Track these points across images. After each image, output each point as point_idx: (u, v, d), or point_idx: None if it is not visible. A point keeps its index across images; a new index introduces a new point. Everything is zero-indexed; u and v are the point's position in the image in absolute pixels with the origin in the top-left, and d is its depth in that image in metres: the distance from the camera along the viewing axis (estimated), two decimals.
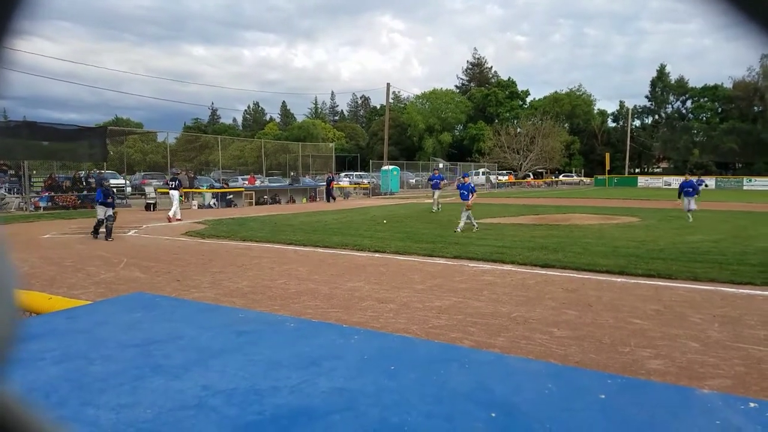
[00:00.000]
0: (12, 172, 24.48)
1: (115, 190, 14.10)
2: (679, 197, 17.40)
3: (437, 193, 21.73)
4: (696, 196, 17.13)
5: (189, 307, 3.75)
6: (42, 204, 22.24)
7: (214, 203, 25.36)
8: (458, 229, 13.57)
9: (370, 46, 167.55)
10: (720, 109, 69.44)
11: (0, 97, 0.28)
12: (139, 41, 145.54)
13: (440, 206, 21.14)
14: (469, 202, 14.06)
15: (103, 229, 12.81)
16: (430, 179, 23.28)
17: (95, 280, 8.10)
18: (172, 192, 18.89)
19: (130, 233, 14.36)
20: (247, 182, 33.62)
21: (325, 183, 32.10)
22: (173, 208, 18.34)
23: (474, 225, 14.03)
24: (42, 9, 0.27)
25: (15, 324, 0.29)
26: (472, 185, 14.71)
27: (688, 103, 73.65)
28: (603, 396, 1.99)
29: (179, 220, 17.83)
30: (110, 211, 12.91)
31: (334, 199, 30.79)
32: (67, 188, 24.76)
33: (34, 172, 25.54)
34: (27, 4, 0.27)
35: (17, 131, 21.31)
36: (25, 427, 0.31)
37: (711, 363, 4.49)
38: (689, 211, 16.78)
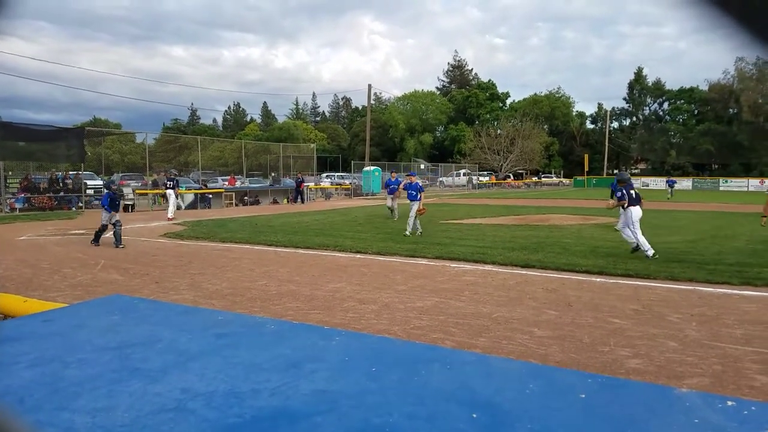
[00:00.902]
0: None
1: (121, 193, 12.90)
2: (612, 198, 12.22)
3: (393, 199, 18.50)
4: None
5: (167, 310, 3.70)
6: (18, 205, 21.82)
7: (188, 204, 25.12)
8: (407, 233, 13.03)
9: (351, 48, 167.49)
10: (696, 111, 70.71)
11: None
12: (115, 41, 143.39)
13: (398, 214, 17.87)
14: (420, 205, 13.27)
15: (109, 235, 11.96)
16: (386, 184, 19.88)
17: (72, 283, 7.96)
18: (168, 191, 19.47)
19: (107, 235, 14.15)
20: (227, 183, 33.35)
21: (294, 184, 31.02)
22: (171, 207, 19.08)
23: (418, 229, 13.35)
24: (20, 8, 0.26)
25: None
26: (420, 184, 13.96)
27: (665, 105, 74.88)
28: (583, 395, 2.00)
29: (170, 219, 18.20)
30: (117, 216, 12.22)
31: (303, 201, 29.49)
32: (44, 189, 24.31)
33: (10, 173, 25.02)
34: (5, 4, 0.26)
35: None
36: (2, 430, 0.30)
37: (689, 362, 4.55)
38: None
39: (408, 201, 13.65)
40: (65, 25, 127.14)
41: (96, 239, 12.08)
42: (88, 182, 26.57)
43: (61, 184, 25.39)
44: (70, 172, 28.15)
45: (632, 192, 9.86)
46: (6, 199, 21.88)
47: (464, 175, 57.18)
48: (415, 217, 13.18)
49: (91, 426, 1.73)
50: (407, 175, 14.93)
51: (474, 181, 55.18)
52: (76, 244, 12.19)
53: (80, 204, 24.05)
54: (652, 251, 9.53)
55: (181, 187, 26.57)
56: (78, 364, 2.29)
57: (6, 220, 18.11)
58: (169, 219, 18.17)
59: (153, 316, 3.22)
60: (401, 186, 15.56)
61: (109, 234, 11.95)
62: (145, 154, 32.48)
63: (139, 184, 29.11)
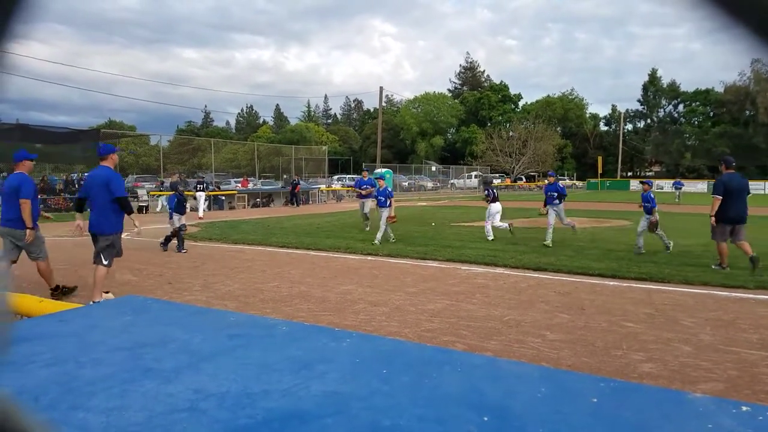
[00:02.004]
0: (4, 174, 24.32)
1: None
2: (545, 206, 12.28)
3: (367, 204, 15.44)
4: (558, 204, 12.06)
5: (181, 311, 3.73)
6: None
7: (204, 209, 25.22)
8: (377, 242, 12.04)
9: (362, 50, 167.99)
10: (712, 113, 69.91)
11: None
12: (128, 44, 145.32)
13: (369, 222, 15.28)
14: (392, 212, 12.42)
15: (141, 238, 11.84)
16: (357, 185, 16.44)
17: (87, 283, 8.05)
18: (198, 193, 21.17)
19: (122, 236, 14.27)
20: (240, 185, 33.54)
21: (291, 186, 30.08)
22: (201, 207, 20.80)
23: (390, 236, 12.63)
24: (39, 12, 0.27)
25: (6, 327, 0.29)
26: (390, 190, 12.82)
27: (680, 107, 74.13)
28: (595, 399, 1.99)
29: (201, 218, 19.57)
30: (183, 219, 11.92)
31: (297, 204, 28.79)
32: (60, 191, 24.62)
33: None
34: (26, 8, 0.27)
35: (10, 134, 21.19)
36: (17, 429, 0.31)
37: (703, 367, 4.51)
38: (570, 227, 12.64)
39: (377, 207, 12.93)
40: (80, 28, 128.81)
41: (165, 243, 11.82)
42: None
43: (76, 186, 25.69)
44: (86, 174, 28.52)
45: (494, 191, 13.31)
46: None
47: (475, 177, 56.99)
48: (386, 224, 12.41)
49: (105, 425, 1.75)
50: (376, 178, 13.78)
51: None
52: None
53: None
54: (492, 237, 12.72)
55: (209, 188, 26.81)
56: (92, 364, 2.32)
57: None
58: (200, 218, 19.49)
59: (166, 317, 3.26)
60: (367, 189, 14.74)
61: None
62: (159, 156, 32.76)
63: (154, 185, 29.34)
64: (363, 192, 15.38)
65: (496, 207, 12.91)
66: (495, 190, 13.44)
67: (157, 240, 13.41)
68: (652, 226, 10.36)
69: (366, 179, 15.91)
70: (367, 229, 14.80)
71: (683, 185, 39.44)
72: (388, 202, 12.41)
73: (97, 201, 6.89)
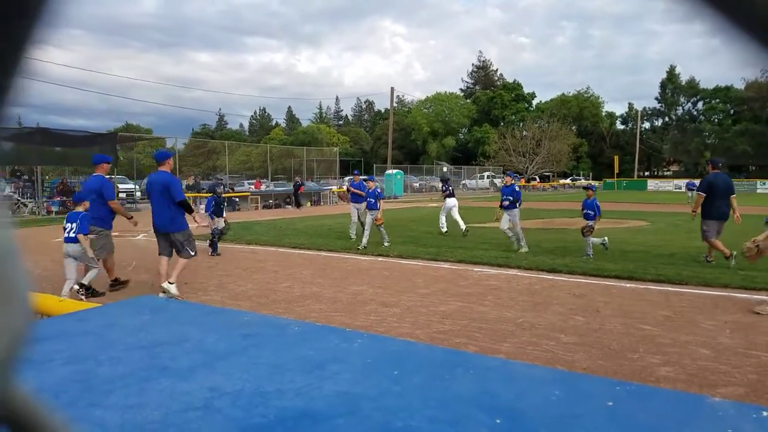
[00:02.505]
0: (26, 177, 24.73)
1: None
2: (501, 208, 11.59)
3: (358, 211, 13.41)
4: (513, 209, 11.28)
5: (196, 310, 3.77)
6: (54, 208, 22.45)
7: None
8: (363, 245, 11.55)
9: (373, 51, 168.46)
10: (732, 111, 68.88)
11: (18, 105, 0.29)
12: (144, 48, 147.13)
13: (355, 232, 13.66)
14: (378, 215, 11.72)
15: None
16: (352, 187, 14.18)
17: (105, 283, 8.15)
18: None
19: (138, 237, 14.44)
20: (253, 187, 33.73)
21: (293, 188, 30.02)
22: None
23: (385, 239, 11.99)
24: (61, 18, 0.28)
25: (27, 326, 0.30)
26: (379, 190, 12.09)
27: (699, 105, 73.13)
28: (610, 403, 1.98)
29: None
30: (222, 222, 11.62)
31: (300, 206, 28.65)
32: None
33: (47, 177, 25.75)
34: (48, 15, 0.28)
35: (31, 137, 21.54)
36: (38, 425, 0.32)
37: (722, 370, 4.45)
38: (513, 240, 11.57)
39: (366, 210, 12.13)
40: (98, 33, 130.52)
41: (214, 248, 11.33)
42: (121, 186, 27.20)
43: None
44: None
45: (450, 188, 14.49)
46: (43, 203, 22.53)
47: (487, 177, 56.73)
48: (373, 226, 11.78)
49: (121, 423, 1.77)
50: (365, 179, 12.80)
51: (498, 184, 54.75)
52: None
53: None
54: (446, 229, 14.22)
55: (226, 190, 27.03)
56: (110, 363, 2.35)
57: (43, 222, 18.65)
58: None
59: (182, 316, 3.29)
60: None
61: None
62: (175, 158, 33.07)
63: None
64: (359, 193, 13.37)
65: (452, 201, 14.34)
66: (451, 187, 14.67)
67: None
68: (587, 230, 10.13)
69: (357, 183, 13.97)
70: (353, 237, 13.41)
71: (696, 186, 37.52)
72: (378, 204, 11.81)
73: (161, 203, 7.35)
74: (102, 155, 8.44)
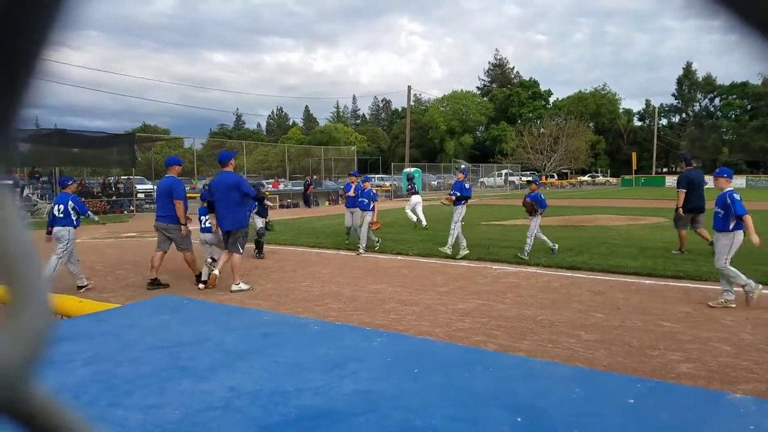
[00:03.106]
0: (45, 179, 25.09)
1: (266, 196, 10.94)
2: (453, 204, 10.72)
3: (355, 216, 11.94)
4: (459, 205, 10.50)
5: (215, 310, 3.80)
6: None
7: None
8: (361, 250, 11.01)
9: (389, 49, 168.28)
10: (749, 107, 67.73)
11: (36, 106, 0.29)
12: (159, 48, 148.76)
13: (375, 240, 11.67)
14: (374, 217, 11.12)
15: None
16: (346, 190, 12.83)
17: (124, 284, 8.25)
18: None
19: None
20: (271, 186, 33.93)
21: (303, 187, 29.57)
22: None
23: (375, 241, 11.44)
24: (77, 19, 0.28)
25: (47, 326, 0.30)
26: (374, 191, 11.29)
27: (717, 101, 72.05)
28: (632, 400, 1.95)
29: None
30: (265, 222, 11.14)
31: (309, 205, 28.36)
32: (97, 194, 25.29)
33: None
34: (64, 16, 0.28)
35: (49, 138, 21.85)
36: (59, 426, 0.32)
37: (744, 366, 4.38)
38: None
39: (359, 210, 11.37)
40: (114, 33, 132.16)
41: (259, 249, 10.97)
42: (139, 186, 27.51)
43: (113, 189, 26.36)
44: (122, 177, 29.20)
45: (415, 186, 15.90)
46: None
47: (507, 175, 56.42)
48: (369, 230, 11.16)
49: (143, 422, 1.79)
50: (362, 181, 11.89)
51: (516, 182, 54.42)
52: (128, 247, 12.62)
53: (132, 208, 24.90)
54: (425, 224, 14.90)
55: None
56: (130, 363, 2.37)
57: None
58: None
59: (201, 316, 3.31)
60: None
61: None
62: (193, 158, 33.37)
63: (188, 188, 29.89)
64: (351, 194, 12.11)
65: (416, 198, 15.37)
66: (416, 185, 16.17)
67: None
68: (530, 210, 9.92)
69: (355, 184, 12.32)
70: (347, 241, 12.26)
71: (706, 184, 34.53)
72: (372, 206, 11.07)
73: (227, 201, 7.81)
74: (174, 158, 8.85)
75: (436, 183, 48.94)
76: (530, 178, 11.51)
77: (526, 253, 9.63)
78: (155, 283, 8.20)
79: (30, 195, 23.14)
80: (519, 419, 1.80)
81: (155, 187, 10.87)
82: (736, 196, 6.47)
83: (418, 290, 7.48)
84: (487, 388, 2.07)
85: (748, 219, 6.35)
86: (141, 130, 64.77)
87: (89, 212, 8.57)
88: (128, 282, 8.43)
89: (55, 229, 7.78)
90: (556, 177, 60.89)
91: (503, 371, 2.30)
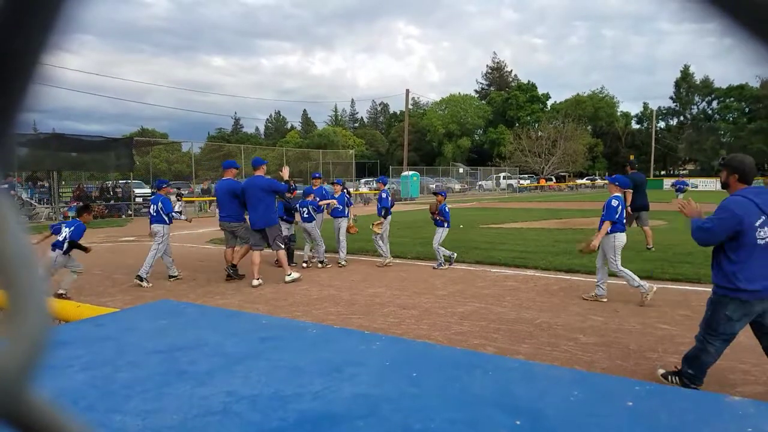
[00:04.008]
0: (46, 184, 25.07)
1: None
2: (381, 215, 10.40)
3: (343, 225, 10.63)
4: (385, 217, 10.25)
5: (213, 314, 3.79)
6: (71, 214, 22.65)
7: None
8: (343, 262, 10.27)
9: (387, 53, 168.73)
10: (747, 109, 67.96)
11: (34, 111, 0.29)
12: (157, 52, 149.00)
13: (323, 252, 10.42)
14: (350, 222, 10.50)
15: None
16: (305, 193, 10.75)
17: (122, 288, 8.24)
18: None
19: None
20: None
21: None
22: None
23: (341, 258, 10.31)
24: (76, 24, 0.28)
25: (46, 331, 0.30)
26: (349, 197, 10.72)
27: (714, 104, 72.28)
28: (630, 403, 1.95)
29: None
30: (293, 229, 10.61)
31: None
32: (96, 198, 25.26)
33: (63, 182, 26.11)
34: (64, 21, 0.28)
35: (47, 143, 21.83)
36: (57, 431, 0.32)
37: (742, 369, 4.38)
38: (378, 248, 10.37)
39: (334, 218, 10.62)
40: (111, 38, 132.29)
41: (291, 256, 10.15)
42: (137, 191, 27.48)
43: (111, 193, 26.34)
44: (120, 181, 29.18)
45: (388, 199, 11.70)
46: (60, 208, 22.83)
47: (504, 178, 56.46)
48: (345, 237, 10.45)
49: (141, 428, 1.78)
50: (332, 183, 11.06)
51: (515, 185, 54.50)
52: (126, 251, 12.60)
53: (130, 212, 24.87)
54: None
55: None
56: (128, 367, 2.37)
57: None
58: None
59: (200, 320, 3.31)
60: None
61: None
62: (191, 162, 33.38)
63: (186, 192, 29.88)
64: (321, 204, 10.68)
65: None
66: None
67: (189, 245, 13.63)
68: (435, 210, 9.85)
69: (317, 188, 10.88)
70: (321, 257, 10.49)
71: (687, 185, 29.17)
72: (347, 211, 10.48)
73: (261, 202, 8.49)
74: (231, 161, 9.57)
75: (434, 186, 48.99)
76: (435, 190, 11.26)
77: (439, 264, 9.59)
78: (233, 271, 8.86)
79: (29, 199, 23.10)
80: (518, 422, 1.80)
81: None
82: (613, 203, 6.89)
83: (417, 294, 7.48)
84: (486, 391, 2.07)
85: (605, 225, 6.76)
86: (139, 134, 64.79)
87: (174, 212, 9.40)
88: (126, 286, 8.42)
89: (152, 225, 8.98)
90: (554, 180, 60.97)
91: (502, 374, 2.30)
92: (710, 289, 3.86)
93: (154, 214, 9.02)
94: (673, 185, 29.40)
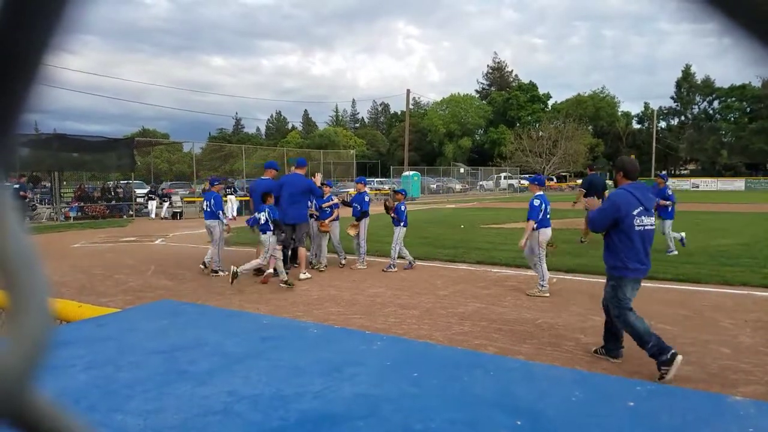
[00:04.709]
0: (47, 185, 25.06)
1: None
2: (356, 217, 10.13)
3: (336, 229, 10.15)
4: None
5: (214, 314, 3.79)
6: (72, 214, 22.69)
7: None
8: (342, 261, 10.01)
9: (387, 53, 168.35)
10: (749, 109, 67.81)
11: (35, 111, 0.29)
12: (157, 52, 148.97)
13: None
14: (327, 221, 9.70)
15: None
16: (252, 190, 10.27)
17: (123, 288, 8.24)
18: (230, 197, 22.23)
19: (157, 241, 14.59)
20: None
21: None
22: (234, 208, 21.93)
23: (323, 262, 9.84)
24: (78, 25, 0.28)
25: (48, 332, 0.30)
26: (334, 198, 10.14)
27: (715, 104, 72.11)
28: (632, 403, 1.95)
29: (234, 219, 21.14)
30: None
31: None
32: (97, 198, 25.26)
33: (64, 183, 26.11)
34: (67, 22, 0.28)
35: (48, 143, 21.82)
36: (59, 431, 0.32)
37: (743, 369, 4.38)
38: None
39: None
40: (111, 38, 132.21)
41: (294, 257, 9.54)
42: (138, 191, 27.48)
43: (112, 193, 26.34)
44: (121, 182, 29.18)
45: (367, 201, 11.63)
46: (61, 208, 22.84)
47: (505, 178, 56.39)
48: (326, 239, 9.99)
49: (142, 427, 1.79)
50: (323, 185, 10.09)
51: (515, 185, 54.46)
52: (127, 251, 12.61)
53: (131, 212, 24.88)
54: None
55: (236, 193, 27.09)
56: (129, 367, 2.37)
57: (61, 228, 18.91)
58: (233, 218, 20.88)
59: (200, 320, 3.31)
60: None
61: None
62: (192, 162, 33.39)
63: (187, 192, 29.88)
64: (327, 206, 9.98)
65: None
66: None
67: (190, 245, 13.64)
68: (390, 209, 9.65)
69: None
70: (343, 261, 10.13)
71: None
72: (333, 213, 9.98)
73: (296, 199, 8.71)
74: (272, 162, 9.87)
75: (435, 186, 49.00)
76: (395, 188, 11.08)
77: (389, 267, 9.38)
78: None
79: (30, 199, 23.10)
80: (519, 422, 1.80)
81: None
82: (535, 202, 7.27)
83: (418, 294, 7.47)
84: (486, 391, 2.07)
85: (528, 224, 7.25)
86: (140, 134, 64.78)
87: (220, 213, 9.48)
88: (127, 286, 8.42)
89: (206, 221, 9.41)
90: (555, 180, 60.91)
91: (503, 374, 2.30)
92: (712, 289, 3.90)
93: (208, 210, 9.42)
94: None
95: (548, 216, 7.36)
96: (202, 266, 9.51)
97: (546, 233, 7.29)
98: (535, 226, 7.16)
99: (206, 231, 9.66)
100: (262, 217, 8.23)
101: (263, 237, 8.30)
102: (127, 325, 3.20)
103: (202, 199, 19.59)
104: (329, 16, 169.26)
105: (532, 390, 2.10)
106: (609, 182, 11.30)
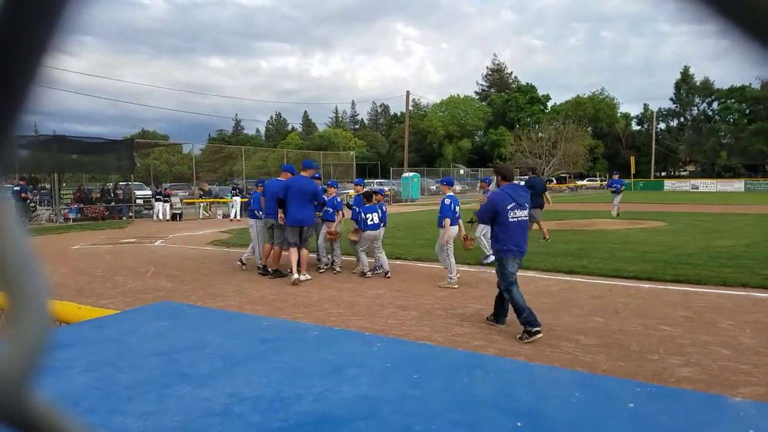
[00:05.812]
0: (47, 186, 25.05)
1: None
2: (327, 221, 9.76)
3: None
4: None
5: (214, 316, 3.79)
6: (71, 216, 22.68)
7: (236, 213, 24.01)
8: (337, 268, 9.65)
9: (386, 54, 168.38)
10: (748, 111, 67.85)
11: (34, 113, 0.29)
12: (156, 54, 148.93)
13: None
14: (333, 227, 9.45)
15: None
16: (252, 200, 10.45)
17: (123, 290, 8.24)
18: (234, 198, 23.55)
19: (157, 243, 14.59)
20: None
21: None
22: (236, 210, 22.94)
23: (323, 259, 9.90)
24: (77, 26, 0.28)
25: (47, 333, 0.30)
26: (339, 199, 9.88)
27: (715, 105, 72.15)
28: (632, 405, 1.95)
29: (237, 220, 21.46)
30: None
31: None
32: (96, 200, 25.26)
33: (64, 184, 26.10)
34: (66, 23, 0.28)
35: (47, 145, 21.82)
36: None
37: (744, 370, 4.38)
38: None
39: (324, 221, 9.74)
40: (109, 39, 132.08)
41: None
42: (137, 192, 27.48)
43: (112, 195, 26.34)
44: (121, 183, 29.18)
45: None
46: (60, 210, 22.84)
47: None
48: (328, 243, 9.79)
49: (142, 429, 1.78)
50: (327, 186, 10.08)
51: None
52: (126, 253, 12.60)
53: (130, 214, 24.88)
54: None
55: (227, 195, 27.09)
56: (129, 369, 2.37)
57: (61, 230, 18.90)
58: (237, 220, 21.44)
59: (200, 322, 3.31)
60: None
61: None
62: (191, 164, 33.40)
63: (187, 193, 29.88)
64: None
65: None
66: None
67: (190, 247, 13.64)
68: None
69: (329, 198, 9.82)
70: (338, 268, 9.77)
71: (624, 184, 22.25)
72: (335, 216, 9.68)
73: (303, 201, 8.69)
74: (289, 165, 9.81)
75: (435, 187, 48.98)
76: (377, 188, 11.03)
77: (363, 271, 9.16)
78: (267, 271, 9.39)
79: (32, 201, 23.10)
80: (519, 423, 1.80)
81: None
82: (446, 202, 8.09)
83: (418, 295, 7.47)
84: (487, 392, 2.07)
85: (446, 222, 8.02)
86: (139, 135, 64.76)
87: (256, 211, 9.78)
88: (127, 288, 8.42)
89: (249, 220, 10.05)
90: (554, 181, 60.92)
91: (503, 376, 2.30)
92: (711, 290, 3.91)
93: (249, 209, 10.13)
94: (608, 185, 25.20)
95: (457, 215, 8.23)
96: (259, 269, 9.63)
97: (454, 230, 8.13)
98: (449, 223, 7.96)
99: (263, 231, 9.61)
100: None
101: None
102: (127, 327, 3.19)
103: (201, 200, 19.50)
104: (328, 17, 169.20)
105: (533, 391, 2.10)
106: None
